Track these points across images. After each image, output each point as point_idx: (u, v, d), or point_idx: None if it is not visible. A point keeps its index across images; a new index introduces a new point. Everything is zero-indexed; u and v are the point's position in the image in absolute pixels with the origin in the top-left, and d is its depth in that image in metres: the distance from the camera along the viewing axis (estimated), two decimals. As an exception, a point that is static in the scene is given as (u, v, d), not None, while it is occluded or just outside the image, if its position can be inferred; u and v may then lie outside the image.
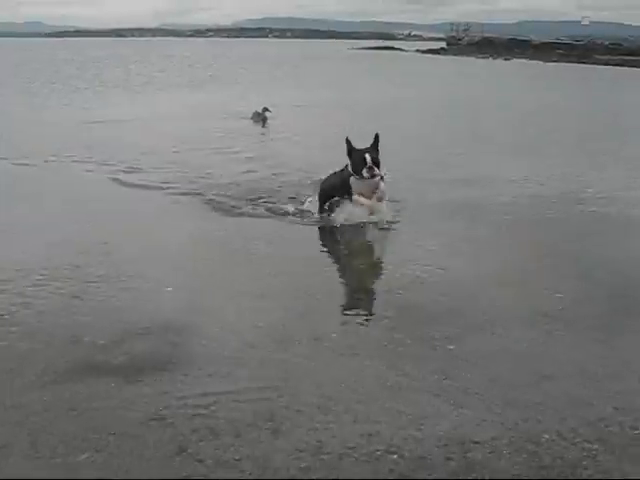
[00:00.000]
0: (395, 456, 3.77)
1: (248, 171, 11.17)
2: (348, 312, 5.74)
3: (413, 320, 5.57)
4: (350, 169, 7.55)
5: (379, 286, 6.41)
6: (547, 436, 4.00)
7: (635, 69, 52.35)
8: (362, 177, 7.46)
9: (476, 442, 3.91)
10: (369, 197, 7.66)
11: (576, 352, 5.05)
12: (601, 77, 43.68)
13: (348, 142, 7.55)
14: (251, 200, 9.04)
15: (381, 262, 6.92)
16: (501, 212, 8.80)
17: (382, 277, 6.58)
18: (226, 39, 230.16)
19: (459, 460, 3.75)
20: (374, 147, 7.56)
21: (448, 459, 3.76)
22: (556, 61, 62.23)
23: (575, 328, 5.45)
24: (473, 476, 3.62)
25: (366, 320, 5.58)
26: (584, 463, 3.77)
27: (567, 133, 16.88)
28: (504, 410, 4.25)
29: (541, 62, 60.86)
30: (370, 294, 6.25)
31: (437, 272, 6.56)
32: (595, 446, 3.92)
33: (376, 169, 7.40)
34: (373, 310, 5.82)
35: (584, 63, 58.91)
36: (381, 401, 4.32)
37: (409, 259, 6.88)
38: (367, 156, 7.37)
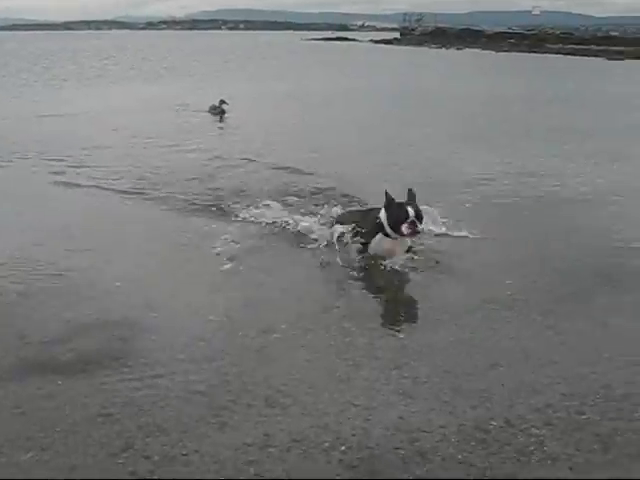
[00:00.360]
0: (343, 447, 3.76)
1: (205, 166, 11.03)
2: (298, 303, 5.72)
3: (363, 310, 5.59)
4: (386, 225, 6.49)
5: (329, 277, 6.37)
6: (495, 423, 4.02)
7: (586, 58, 52.99)
8: (400, 234, 6.43)
9: (425, 431, 3.92)
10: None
11: (524, 339, 5.09)
12: (552, 66, 44.06)
13: (387, 194, 6.50)
14: (207, 198, 8.94)
15: (332, 254, 6.85)
16: (454, 202, 8.80)
17: (332, 268, 6.53)
18: (180, 31, 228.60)
19: (407, 449, 3.76)
20: (413, 200, 6.55)
21: (397, 448, 3.76)
22: (508, 50, 62.76)
23: (523, 315, 5.50)
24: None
25: (316, 311, 5.56)
26: (531, 449, 3.80)
27: (516, 124, 16.98)
28: (453, 398, 4.27)
29: (493, 52, 61.34)
30: (320, 285, 6.21)
31: (387, 263, 6.55)
32: (543, 432, 3.96)
33: (419, 224, 6.40)
34: (323, 301, 5.78)
35: (535, 52, 59.50)
36: (330, 392, 4.31)
37: (360, 252, 6.83)
38: (410, 209, 6.33)
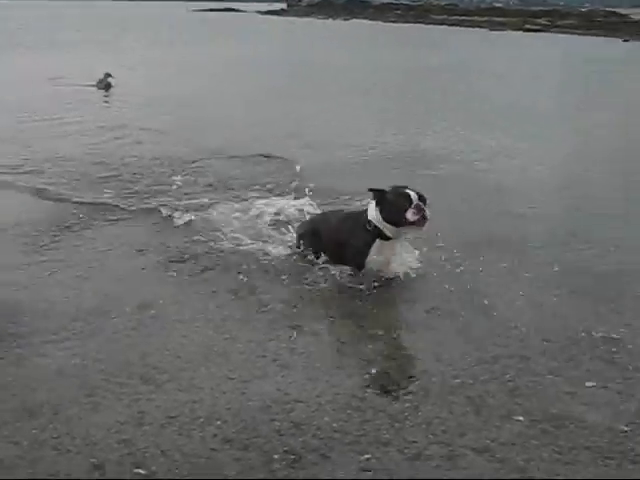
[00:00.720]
0: (219, 422, 3.73)
1: (88, 145, 10.54)
2: (173, 278, 5.61)
3: (238, 282, 5.52)
4: (382, 223, 5.42)
5: (202, 250, 6.21)
6: (371, 390, 4.06)
7: (470, 29, 54.01)
8: (405, 224, 5.35)
9: (300, 401, 3.92)
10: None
11: (397, 307, 5.19)
12: (439, 37, 44.75)
13: (374, 190, 5.49)
14: (83, 176, 8.63)
15: (205, 229, 6.68)
16: (352, 178, 8.80)
17: (205, 242, 6.35)
18: (62, 2, 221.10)
19: (283, 420, 3.75)
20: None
21: (272, 420, 3.75)
22: (394, 21, 63.43)
23: (401, 283, 5.57)
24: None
25: (191, 285, 5.49)
26: (406, 414, 3.85)
27: (414, 96, 17.18)
28: (330, 368, 4.29)
29: (380, 22, 61.78)
30: (193, 258, 6.05)
31: (263, 233, 6.50)
32: (418, 397, 4.02)
33: (426, 210, 5.33)
34: (197, 274, 5.70)
35: (421, 23, 60.29)
36: (206, 367, 4.27)
37: (232, 225, 6.71)
38: (411, 192, 5.35)
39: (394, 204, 5.34)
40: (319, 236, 5.85)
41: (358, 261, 5.55)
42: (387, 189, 5.49)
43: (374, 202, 5.47)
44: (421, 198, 5.35)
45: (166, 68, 22.27)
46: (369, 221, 5.47)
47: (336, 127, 12.44)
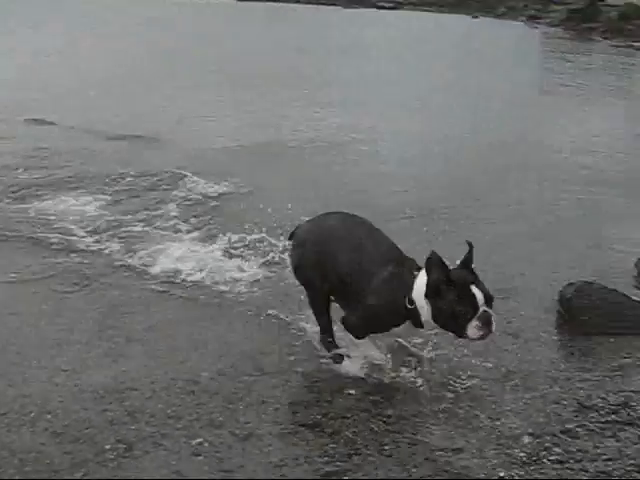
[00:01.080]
0: (49, 415, 3.68)
1: None
2: (6, 273, 5.38)
3: (75, 275, 5.38)
4: (430, 316, 3.83)
5: (37, 243, 5.97)
6: (206, 374, 4.11)
7: (325, 7, 54.08)
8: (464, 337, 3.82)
9: (134, 389, 3.93)
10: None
11: (234, 294, 5.19)
12: (291, 16, 44.62)
13: (440, 262, 3.75)
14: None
15: (43, 221, 6.39)
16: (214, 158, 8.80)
17: (41, 235, 6.09)
18: None
19: (116, 410, 3.75)
20: (470, 264, 3.87)
21: (105, 410, 3.74)
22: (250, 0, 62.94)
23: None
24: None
25: (24, 278, 5.32)
26: (240, 395, 3.93)
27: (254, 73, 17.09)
28: (166, 354, 4.33)
29: (234, 1, 61.21)
30: (28, 252, 5.80)
31: (102, 227, 6.35)
32: (252, 377, 4.10)
33: (493, 320, 3.75)
34: (31, 267, 5.48)
35: (275, 1, 59.98)
36: (38, 360, 4.20)
37: (73, 218, 6.52)
38: (478, 293, 3.71)
39: (453, 308, 3.73)
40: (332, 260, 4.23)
41: (358, 331, 4.17)
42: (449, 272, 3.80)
43: (425, 279, 3.82)
44: (488, 300, 3.76)
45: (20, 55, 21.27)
46: (412, 301, 3.88)
47: (196, 115, 12.22)
